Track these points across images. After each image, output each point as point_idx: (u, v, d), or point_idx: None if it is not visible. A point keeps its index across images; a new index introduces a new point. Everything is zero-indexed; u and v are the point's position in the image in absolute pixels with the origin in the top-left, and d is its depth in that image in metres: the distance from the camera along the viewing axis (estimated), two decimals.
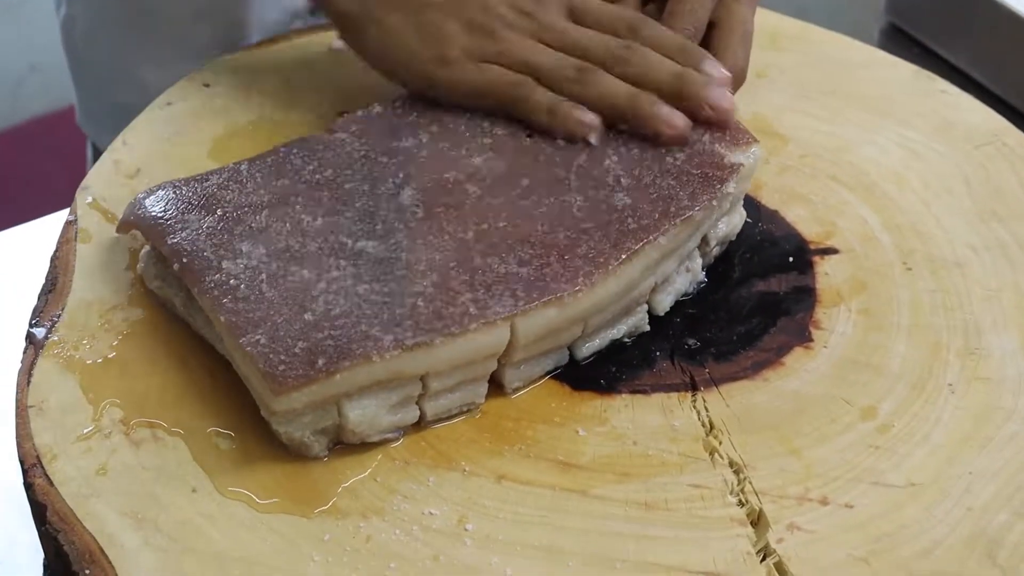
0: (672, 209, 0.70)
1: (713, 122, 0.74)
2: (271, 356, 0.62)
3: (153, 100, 0.85)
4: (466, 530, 0.62)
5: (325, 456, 0.64)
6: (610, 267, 0.67)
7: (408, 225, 0.69)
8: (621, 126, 0.75)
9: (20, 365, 0.68)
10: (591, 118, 0.74)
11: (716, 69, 0.76)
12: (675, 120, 0.74)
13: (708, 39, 0.82)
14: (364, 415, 0.64)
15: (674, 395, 0.69)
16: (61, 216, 0.79)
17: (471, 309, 0.65)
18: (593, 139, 0.74)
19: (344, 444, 0.65)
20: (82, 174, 1.23)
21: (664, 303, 0.73)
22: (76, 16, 1.13)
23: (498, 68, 0.76)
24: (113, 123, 0.87)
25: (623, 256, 0.68)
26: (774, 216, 0.80)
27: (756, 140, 0.75)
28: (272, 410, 0.63)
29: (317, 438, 0.64)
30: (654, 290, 0.72)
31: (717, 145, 0.74)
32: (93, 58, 1.14)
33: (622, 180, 0.72)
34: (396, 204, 0.71)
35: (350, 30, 0.80)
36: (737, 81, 0.82)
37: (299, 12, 1.06)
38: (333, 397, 0.63)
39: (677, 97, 0.74)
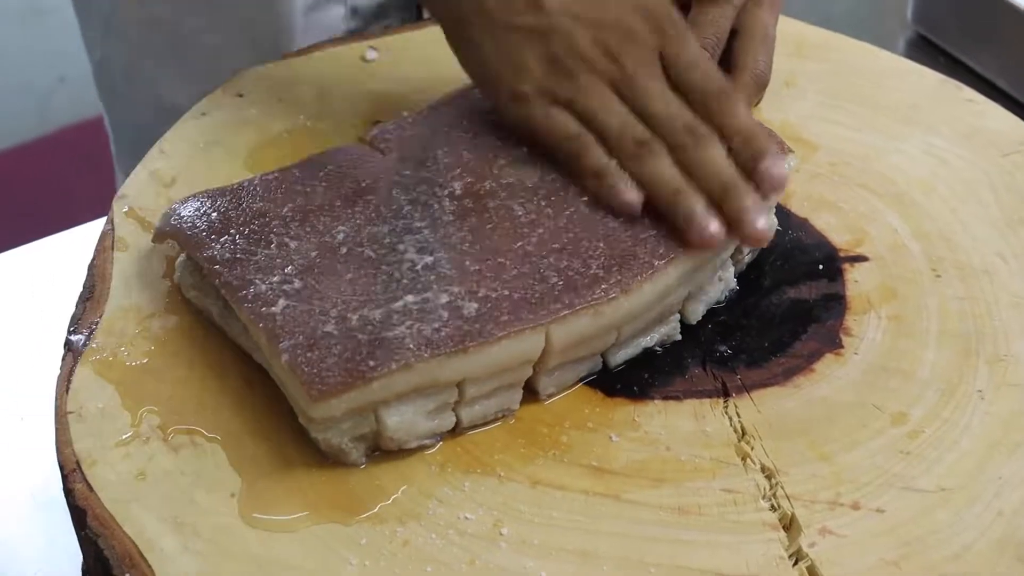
0: None
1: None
2: (309, 364, 0.63)
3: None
4: (501, 534, 0.62)
5: (363, 463, 0.65)
6: (645, 276, 0.68)
7: (443, 233, 0.70)
8: None
9: (59, 372, 0.69)
10: (632, 198, 0.71)
11: (774, 167, 0.71)
12: (705, 232, 0.69)
13: (731, 45, 0.83)
14: (402, 421, 0.64)
15: (706, 401, 0.69)
16: (96, 225, 0.80)
17: (506, 316, 0.65)
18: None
19: (381, 451, 0.65)
20: (111, 183, 1.24)
21: (696, 312, 0.73)
22: (111, 56, 1.13)
23: (563, 117, 0.73)
24: None
25: (658, 265, 0.68)
26: (804, 224, 0.80)
27: (791, 150, 0.75)
28: (310, 417, 0.63)
29: (355, 445, 0.64)
30: (687, 299, 0.72)
31: None
32: (134, 94, 1.13)
33: None
34: (431, 213, 0.71)
35: (449, 38, 0.78)
36: (760, 86, 0.83)
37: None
38: (371, 404, 0.63)
39: (719, 206, 0.70)
